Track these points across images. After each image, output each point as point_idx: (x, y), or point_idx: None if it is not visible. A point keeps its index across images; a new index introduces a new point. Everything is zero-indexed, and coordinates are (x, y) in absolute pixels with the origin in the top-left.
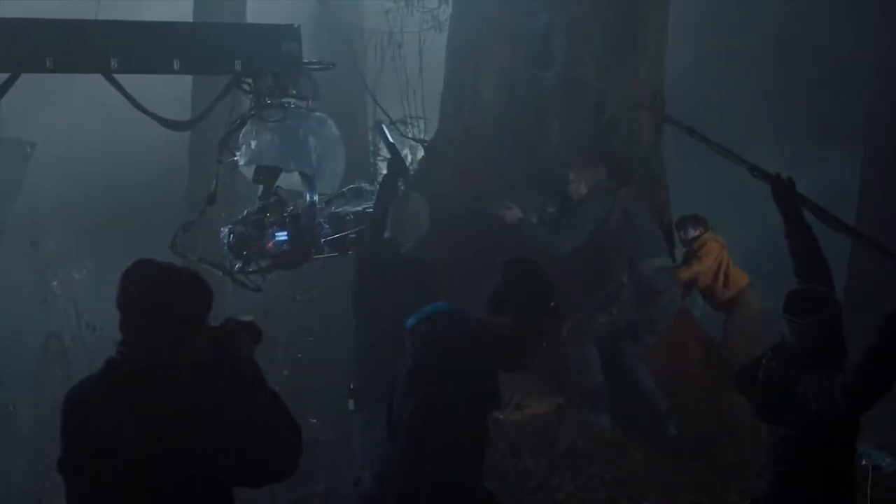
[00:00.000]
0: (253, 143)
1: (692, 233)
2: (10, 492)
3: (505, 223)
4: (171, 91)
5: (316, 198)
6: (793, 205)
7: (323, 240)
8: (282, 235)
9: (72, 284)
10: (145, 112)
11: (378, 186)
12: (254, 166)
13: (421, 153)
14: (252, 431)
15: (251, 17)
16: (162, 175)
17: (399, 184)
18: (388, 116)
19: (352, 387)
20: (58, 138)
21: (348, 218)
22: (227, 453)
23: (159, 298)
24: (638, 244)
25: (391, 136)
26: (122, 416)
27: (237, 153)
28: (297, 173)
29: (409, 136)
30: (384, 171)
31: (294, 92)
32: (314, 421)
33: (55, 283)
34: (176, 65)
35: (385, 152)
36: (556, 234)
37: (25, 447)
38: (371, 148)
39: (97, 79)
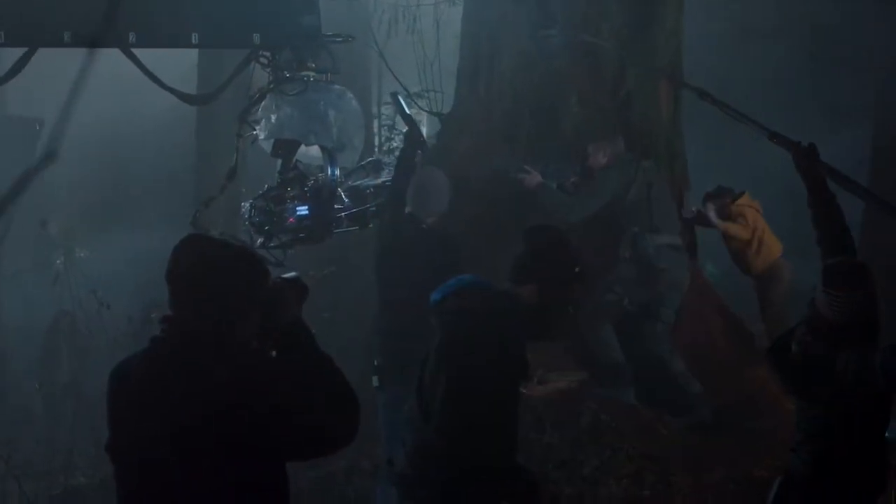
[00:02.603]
0: (273, 117)
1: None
2: (28, 471)
3: (524, 187)
4: (174, 66)
5: (337, 171)
6: (816, 173)
7: (343, 213)
8: (303, 210)
9: (79, 263)
10: (164, 87)
11: (396, 159)
12: (272, 140)
13: (425, 125)
14: (307, 400)
15: None
16: (168, 151)
17: (417, 156)
18: (406, 90)
19: (376, 364)
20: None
21: (368, 191)
22: (281, 426)
23: (212, 273)
24: (648, 219)
25: (407, 106)
26: (169, 395)
27: (256, 127)
28: (315, 147)
29: (422, 108)
30: (393, 144)
31: (313, 65)
32: None
33: (59, 262)
34: (194, 38)
35: (398, 125)
36: (574, 199)
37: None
38: (378, 121)
39: (101, 54)
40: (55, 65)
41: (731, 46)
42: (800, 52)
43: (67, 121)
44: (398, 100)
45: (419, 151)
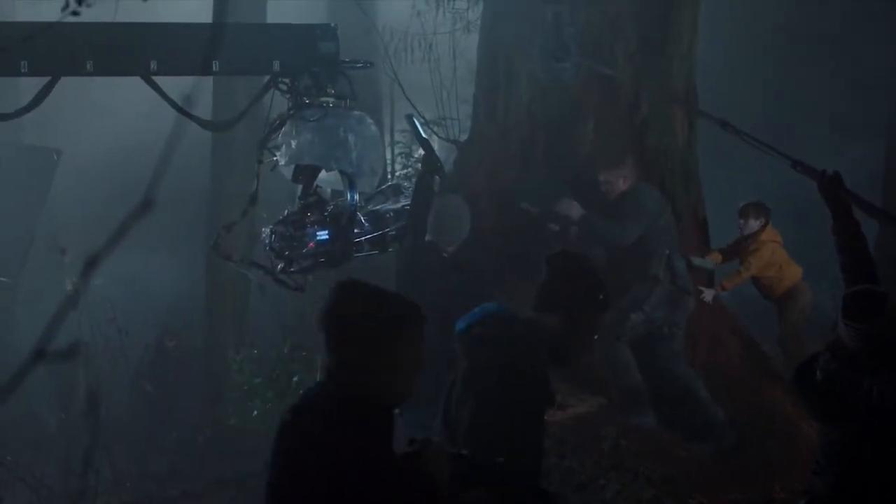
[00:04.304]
0: (293, 143)
1: (753, 224)
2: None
3: (569, 219)
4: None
5: (357, 196)
6: (841, 201)
7: (363, 238)
8: (323, 235)
9: (94, 289)
10: (184, 114)
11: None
12: (293, 166)
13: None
14: None
15: (271, 16)
16: (182, 173)
17: (434, 182)
18: (423, 116)
19: None
20: (76, 143)
21: (388, 215)
22: None
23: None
24: (677, 242)
25: (423, 131)
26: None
27: (277, 153)
28: (334, 172)
29: (439, 135)
30: (409, 171)
31: (332, 91)
32: None
33: (69, 288)
34: (215, 66)
35: (415, 152)
36: (620, 225)
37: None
38: (392, 149)
39: (111, 82)
40: (73, 94)
41: (738, 55)
42: (811, 65)
43: (165, 170)
44: (413, 122)
45: (437, 177)
